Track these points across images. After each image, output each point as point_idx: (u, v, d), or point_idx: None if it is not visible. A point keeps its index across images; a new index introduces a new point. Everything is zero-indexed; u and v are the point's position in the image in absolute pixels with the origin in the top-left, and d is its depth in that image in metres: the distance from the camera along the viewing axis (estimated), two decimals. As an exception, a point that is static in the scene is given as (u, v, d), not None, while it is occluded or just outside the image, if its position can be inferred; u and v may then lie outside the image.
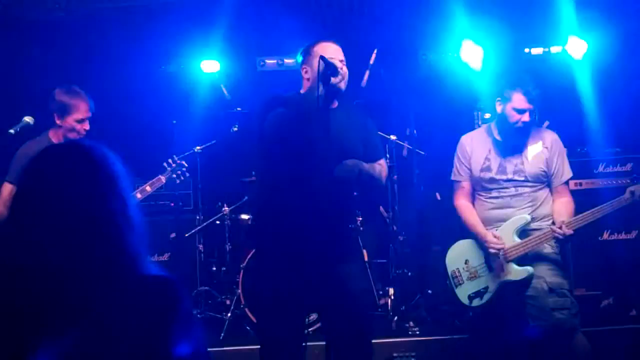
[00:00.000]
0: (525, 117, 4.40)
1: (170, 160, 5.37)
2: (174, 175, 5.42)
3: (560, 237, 4.28)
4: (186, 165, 5.47)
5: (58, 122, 4.74)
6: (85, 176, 1.84)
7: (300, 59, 4.06)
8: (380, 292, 6.77)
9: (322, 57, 3.75)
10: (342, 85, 3.89)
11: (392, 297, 6.45)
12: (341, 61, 3.93)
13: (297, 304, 3.78)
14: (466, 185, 4.70)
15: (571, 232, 4.27)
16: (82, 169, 1.85)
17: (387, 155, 6.68)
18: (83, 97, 4.79)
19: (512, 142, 4.54)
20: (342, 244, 3.88)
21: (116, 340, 1.70)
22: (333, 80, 3.78)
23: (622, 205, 4.29)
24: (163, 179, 5.30)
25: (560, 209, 4.48)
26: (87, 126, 4.78)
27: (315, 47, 3.97)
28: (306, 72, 3.98)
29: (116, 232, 1.81)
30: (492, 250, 4.43)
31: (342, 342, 3.87)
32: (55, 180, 1.81)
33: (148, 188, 5.41)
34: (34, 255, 1.72)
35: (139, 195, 5.30)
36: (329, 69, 3.74)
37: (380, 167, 4.06)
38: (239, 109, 6.96)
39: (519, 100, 4.39)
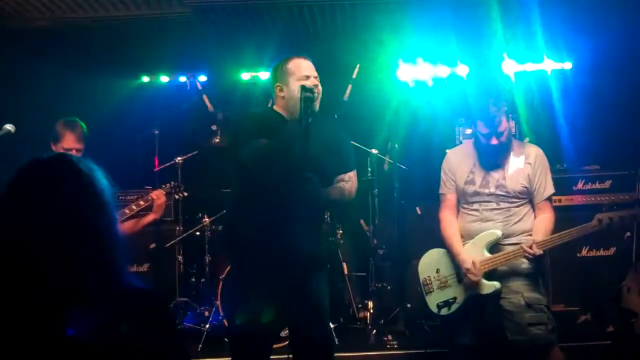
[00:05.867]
0: (493, 141, 4.42)
1: (167, 185, 5.58)
2: (172, 191, 5.64)
3: (530, 256, 4.29)
4: (182, 187, 5.68)
5: (52, 148, 4.90)
6: (71, 190, 1.81)
7: (273, 76, 4.06)
8: (360, 306, 6.78)
9: (303, 89, 3.75)
10: (316, 106, 3.90)
11: (371, 311, 6.46)
12: (315, 77, 3.95)
13: (266, 316, 3.81)
14: (451, 197, 4.70)
15: (541, 252, 4.27)
16: (68, 183, 1.82)
17: (369, 169, 6.72)
18: (73, 128, 4.94)
19: (488, 159, 4.56)
20: (309, 257, 3.89)
21: (100, 354, 1.69)
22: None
23: (589, 231, 4.30)
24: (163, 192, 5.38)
25: (538, 226, 4.48)
26: None
27: (289, 64, 3.97)
28: (281, 90, 3.98)
29: (100, 247, 1.80)
30: (470, 281, 4.43)
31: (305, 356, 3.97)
32: (40, 194, 1.78)
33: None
34: (14, 269, 1.71)
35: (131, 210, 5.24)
36: (307, 101, 3.73)
37: (343, 185, 4.05)
38: (220, 116, 6.97)
39: (481, 127, 4.42)
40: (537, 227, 4.46)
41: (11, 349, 1.66)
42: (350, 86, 6.29)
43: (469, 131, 6.79)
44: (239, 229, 4.01)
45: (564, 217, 4.78)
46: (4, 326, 1.68)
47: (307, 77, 3.89)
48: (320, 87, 3.92)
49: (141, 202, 5.20)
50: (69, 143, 4.90)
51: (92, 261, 1.76)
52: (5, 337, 1.67)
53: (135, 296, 1.81)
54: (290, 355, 4.00)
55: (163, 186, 5.51)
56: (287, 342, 4.62)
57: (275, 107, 4.04)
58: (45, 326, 1.68)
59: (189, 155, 6.85)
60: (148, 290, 1.85)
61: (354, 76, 6.34)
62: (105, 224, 1.83)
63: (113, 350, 1.70)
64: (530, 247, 4.24)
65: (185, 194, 5.74)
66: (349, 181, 4.06)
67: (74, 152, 4.88)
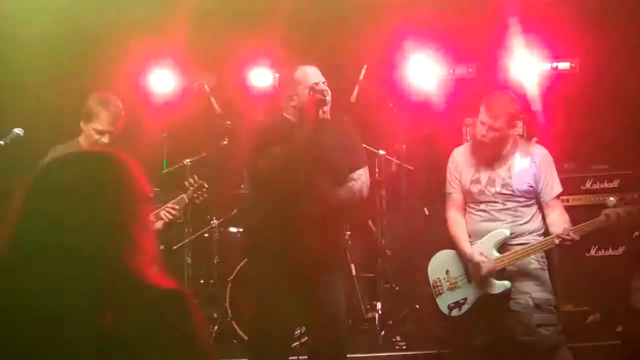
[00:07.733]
0: (483, 131, 4.42)
1: (191, 180, 4.93)
2: (195, 195, 4.89)
3: (568, 243, 4.24)
4: (206, 185, 4.95)
5: (83, 128, 4.60)
6: (100, 190, 1.77)
7: (281, 85, 4.07)
8: (368, 307, 6.78)
9: (313, 92, 3.76)
10: (327, 110, 3.91)
11: (380, 312, 6.45)
12: (324, 83, 3.96)
13: (284, 316, 3.83)
14: (457, 197, 4.71)
15: (578, 237, 4.24)
16: (98, 183, 1.79)
17: (377, 170, 6.71)
18: (109, 107, 4.57)
19: (480, 155, 4.56)
20: (327, 258, 3.91)
21: (125, 353, 1.69)
22: (321, 113, 3.82)
23: (597, 227, 4.28)
24: (186, 198, 4.83)
25: (556, 220, 4.46)
26: (106, 139, 4.56)
27: (296, 73, 3.98)
28: (290, 99, 3.99)
29: (129, 246, 1.78)
30: (483, 272, 4.42)
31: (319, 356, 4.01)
32: (67, 191, 1.75)
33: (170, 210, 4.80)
34: (37, 265, 1.70)
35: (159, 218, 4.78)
36: (319, 104, 3.75)
37: (352, 184, 4.05)
38: (228, 122, 6.96)
39: (482, 112, 4.43)
40: (554, 221, 4.44)
41: (28, 344, 1.66)
42: (357, 87, 6.29)
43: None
44: (257, 232, 4.06)
45: (572, 217, 4.74)
46: (21, 320, 1.68)
47: (316, 84, 3.91)
48: (329, 92, 3.94)
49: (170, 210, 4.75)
50: (103, 124, 4.52)
51: (119, 260, 1.74)
52: (22, 332, 1.67)
53: (162, 295, 1.79)
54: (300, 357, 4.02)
55: (187, 185, 4.89)
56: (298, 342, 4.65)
57: (285, 114, 4.05)
58: (67, 323, 1.67)
59: (197, 157, 6.85)
60: (175, 290, 1.83)
61: (361, 77, 6.33)
62: (135, 224, 1.81)
63: (137, 348, 1.69)
64: (568, 235, 4.21)
65: (206, 195, 5.03)
66: (358, 179, 4.07)
67: (106, 137, 4.56)
